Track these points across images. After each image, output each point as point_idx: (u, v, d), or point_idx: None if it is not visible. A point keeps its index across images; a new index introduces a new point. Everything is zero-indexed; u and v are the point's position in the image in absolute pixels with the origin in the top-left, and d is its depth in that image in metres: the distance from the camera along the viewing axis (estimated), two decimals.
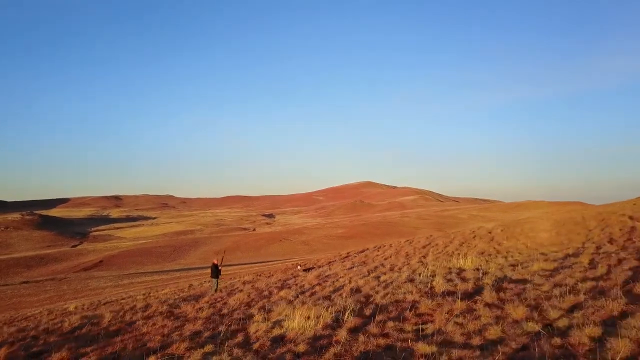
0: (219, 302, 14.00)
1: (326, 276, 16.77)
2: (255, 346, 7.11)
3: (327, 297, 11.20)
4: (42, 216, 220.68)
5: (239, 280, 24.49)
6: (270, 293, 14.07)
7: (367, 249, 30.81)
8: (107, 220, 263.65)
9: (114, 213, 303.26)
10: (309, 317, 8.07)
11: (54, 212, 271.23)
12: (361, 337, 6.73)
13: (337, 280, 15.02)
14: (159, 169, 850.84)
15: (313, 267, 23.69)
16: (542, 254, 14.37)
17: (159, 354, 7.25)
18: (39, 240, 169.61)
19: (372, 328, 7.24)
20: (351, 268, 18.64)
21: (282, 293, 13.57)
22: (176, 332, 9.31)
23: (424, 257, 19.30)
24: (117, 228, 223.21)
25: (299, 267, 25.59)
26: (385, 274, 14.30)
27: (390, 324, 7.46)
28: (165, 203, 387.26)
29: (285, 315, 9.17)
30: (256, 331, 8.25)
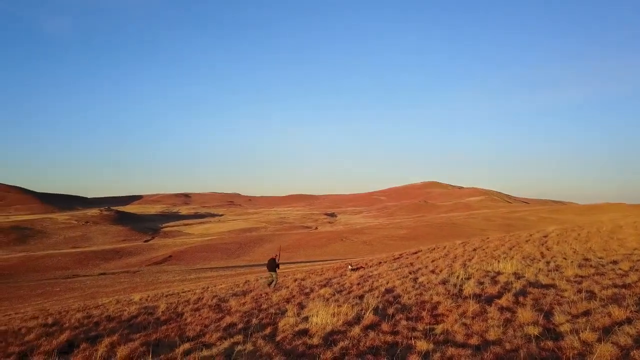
0: (263, 297, 14.83)
1: (369, 276, 17.20)
2: (278, 338, 7.77)
3: (360, 296, 11.68)
4: (118, 212, 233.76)
5: (291, 278, 25.31)
6: (312, 290, 14.73)
7: (420, 250, 30.77)
8: (176, 216, 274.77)
9: (183, 210, 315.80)
10: (334, 314, 8.64)
11: (129, 209, 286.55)
12: (371, 334, 7.18)
13: (376, 280, 15.42)
14: (226, 168, 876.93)
15: (361, 267, 24.09)
16: (586, 260, 14.06)
17: (192, 342, 8.09)
18: (115, 234, 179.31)
19: (385, 326, 7.70)
20: (396, 269, 18.94)
21: (321, 291, 14.18)
22: (215, 324, 10.16)
23: (469, 260, 19.23)
24: (186, 224, 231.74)
25: (349, 267, 26.02)
26: (424, 275, 14.56)
27: (404, 322, 7.85)
28: (231, 201, 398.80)
29: (316, 312, 9.77)
30: (284, 325, 8.89)
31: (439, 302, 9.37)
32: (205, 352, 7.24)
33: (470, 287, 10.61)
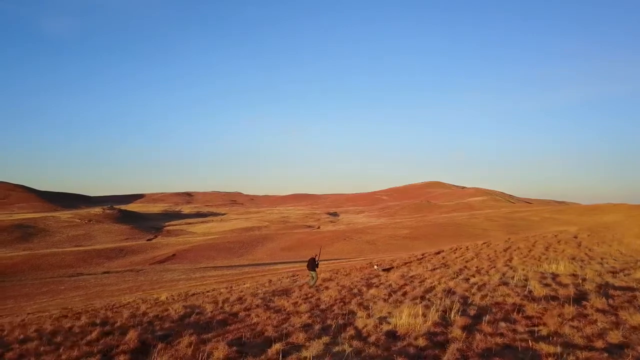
0: (310, 297, 14.68)
1: (411, 277, 17.05)
2: (372, 339, 7.63)
3: (422, 297, 11.56)
4: (121, 211, 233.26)
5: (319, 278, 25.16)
6: (360, 291, 14.58)
7: (443, 250, 30.64)
8: (179, 215, 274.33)
9: (186, 209, 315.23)
10: (416, 315, 8.50)
11: (131, 207, 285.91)
12: (478, 336, 7.08)
13: (423, 281, 15.29)
14: (228, 167, 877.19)
15: (392, 267, 23.95)
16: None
17: (282, 342, 7.94)
18: (117, 233, 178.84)
19: (485, 327, 7.57)
20: (434, 270, 18.80)
21: (372, 291, 14.05)
22: (285, 324, 10.01)
23: (509, 260, 19.10)
24: (189, 223, 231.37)
25: (375, 266, 25.86)
26: (473, 276, 14.44)
27: (502, 324, 7.74)
28: (234, 200, 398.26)
29: (387, 313, 9.63)
30: (364, 326, 8.76)
31: (518, 304, 9.24)
32: (305, 353, 7.11)
33: (537, 289, 10.48)
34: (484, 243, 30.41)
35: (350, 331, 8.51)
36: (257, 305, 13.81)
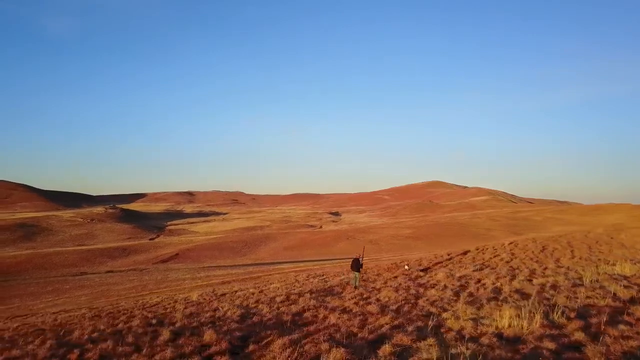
0: (367, 297, 14.42)
1: (459, 277, 16.83)
2: (485, 341, 7.40)
3: (495, 298, 11.36)
4: (123, 210, 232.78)
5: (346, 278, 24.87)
6: (418, 292, 14.33)
7: (469, 250, 30.42)
8: (181, 215, 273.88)
9: (188, 208, 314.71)
10: (518, 317, 8.29)
11: (133, 207, 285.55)
12: (607, 338, 6.85)
13: (479, 281, 15.09)
14: (229, 167, 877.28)
15: (429, 268, 23.70)
16: None
17: (389, 344, 7.69)
18: (120, 232, 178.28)
19: (608, 329, 7.35)
20: (480, 270, 18.57)
21: (432, 292, 13.84)
22: (370, 325, 9.79)
23: (557, 261, 18.90)
24: (191, 223, 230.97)
25: (406, 266, 25.62)
26: (534, 277, 14.22)
27: (623, 327, 7.51)
28: (235, 199, 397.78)
29: (473, 314, 9.43)
30: (461, 328, 8.54)
31: (614, 306, 9.04)
32: (424, 355, 6.90)
33: (619, 290, 10.29)
34: (511, 243, 30.22)
35: (450, 333, 8.30)
36: (315, 306, 13.53)
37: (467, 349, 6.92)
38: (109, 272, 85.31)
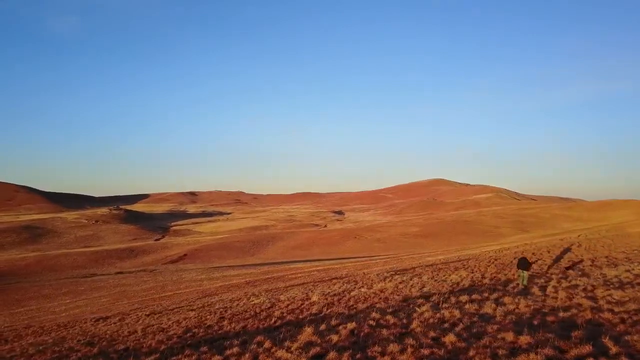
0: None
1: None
2: None
3: None
4: (127, 211, 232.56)
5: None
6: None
7: (508, 248, 30.00)
8: (185, 215, 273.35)
9: (191, 208, 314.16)
10: None
11: (137, 207, 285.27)
12: None
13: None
14: (230, 167, 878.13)
15: (532, 263, 22.52)
16: None
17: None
18: (125, 233, 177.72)
19: None
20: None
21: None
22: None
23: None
24: (195, 223, 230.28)
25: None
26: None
27: None
28: (238, 199, 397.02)
29: None
30: None
31: None
32: None
33: None
34: (561, 239, 29.65)
35: None
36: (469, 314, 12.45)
37: None
38: (118, 273, 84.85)
